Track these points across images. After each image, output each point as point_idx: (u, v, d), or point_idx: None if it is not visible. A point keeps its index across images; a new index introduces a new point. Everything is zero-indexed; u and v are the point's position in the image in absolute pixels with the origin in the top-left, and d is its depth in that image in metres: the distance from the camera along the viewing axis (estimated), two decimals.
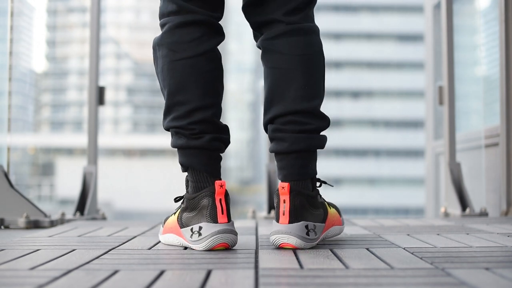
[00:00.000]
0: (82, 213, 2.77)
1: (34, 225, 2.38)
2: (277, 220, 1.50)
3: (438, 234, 1.81)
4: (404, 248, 1.48)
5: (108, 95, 3.48)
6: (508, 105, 2.85)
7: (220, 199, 1.48)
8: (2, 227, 2.39)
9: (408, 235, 1.79)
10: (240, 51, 47.00)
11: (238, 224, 2.10)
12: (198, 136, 1.52)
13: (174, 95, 1.53)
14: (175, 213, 1.61)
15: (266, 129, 1.60)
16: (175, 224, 1.58)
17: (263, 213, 2.87)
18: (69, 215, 2.68)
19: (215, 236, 1.46)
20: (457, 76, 3.14)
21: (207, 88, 1.54)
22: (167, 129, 1.57)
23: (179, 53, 1.53)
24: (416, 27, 38.62)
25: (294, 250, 1.47)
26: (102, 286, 1.04)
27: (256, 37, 1.67)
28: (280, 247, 1.49)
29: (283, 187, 1.50)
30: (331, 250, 1.46)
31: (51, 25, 47.12)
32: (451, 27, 3.11)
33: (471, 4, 4.10)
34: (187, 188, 1.55)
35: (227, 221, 1.48)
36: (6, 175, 2.47)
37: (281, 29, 1.56)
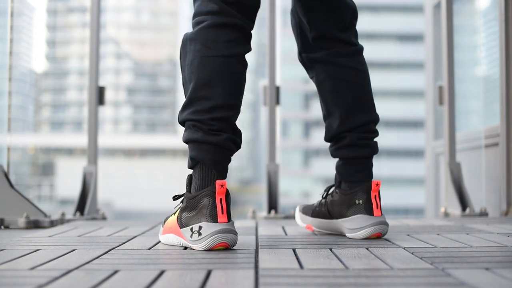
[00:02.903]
0: (82, 213, 2.77)
1: (34, 225, 2.38)
2: (371, 213, 1.71)
3: (438, 234, 1.81)
4: (404, 248, 1.48)
5: (108, 95, 3.48)
6: (508, 105, 2.85)
7: (221, 199, 1.48)
8: (2, 227, 2.39)
9: (408, 235, 1.79)
10: None
11: (238, 224, 2.10)
12: (217, 133, 1.53)
13: (199, 89, 1.55)
14: (174, 213, 1.61)
15: (335, 136, 1.80)
16: (175, 224, 1.58)
17: (263, 213, 2.86)
18: (69, 215, 2.68)
19: (215, 236, 1.46)
20: (457, 76, 3.13)
21: (232, 89, 1.56)
22: (183, 122, 1.58)
23: (213, 50, 1.56)
24: (416, 27, 38.62)
25: (294, 250, 1.47)
26: (102, 286, 1.04)
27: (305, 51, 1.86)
28: (371, 237, 1.69)
29: (377, 184, 1.73)
30: (331, 250, 1.46)
31: (51, 25, 47.13)
32: (451, 27, 3.10)
33: (471, 4, 4.10)
34: (188, 187, 1.55)
35: (227, 221, 1.48)
36: (6, 175, 2.47)
37: (346, 50, 1.80)
